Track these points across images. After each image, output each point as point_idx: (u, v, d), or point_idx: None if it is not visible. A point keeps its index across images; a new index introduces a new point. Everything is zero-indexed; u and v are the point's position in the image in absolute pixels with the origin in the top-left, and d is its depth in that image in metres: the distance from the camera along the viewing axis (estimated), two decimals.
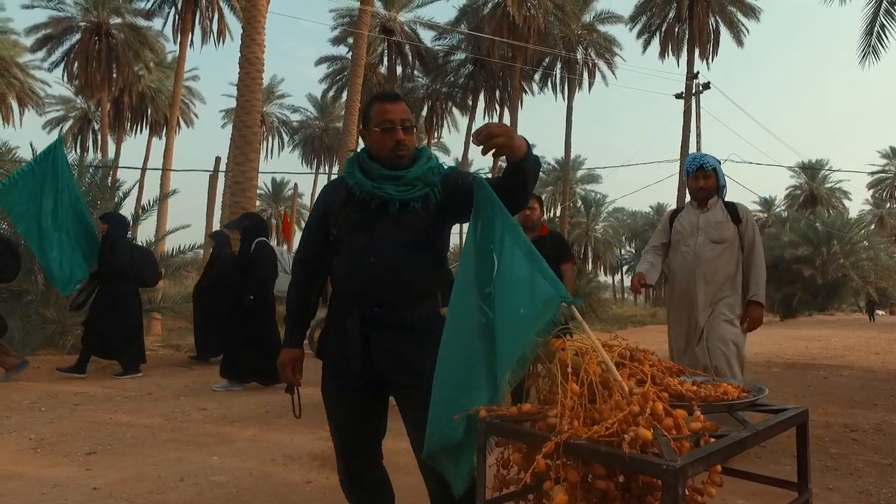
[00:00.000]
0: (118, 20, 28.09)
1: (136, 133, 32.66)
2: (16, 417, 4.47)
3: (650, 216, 55.56)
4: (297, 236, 16.66)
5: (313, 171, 44.33)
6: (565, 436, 1.20)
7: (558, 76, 30.58)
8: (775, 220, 41.87)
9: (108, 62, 27.32)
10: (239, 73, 11.10)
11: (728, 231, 3.69)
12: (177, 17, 25.72)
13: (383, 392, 1.95)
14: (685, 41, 27.44)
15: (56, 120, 34.13)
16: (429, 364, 1.79)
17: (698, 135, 22.05)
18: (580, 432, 1.21)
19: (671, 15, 28.15)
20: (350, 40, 24.36)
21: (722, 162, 3.97)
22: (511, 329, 1.45)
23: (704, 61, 27.32)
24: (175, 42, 26.20)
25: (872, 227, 40.33)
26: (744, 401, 1.45)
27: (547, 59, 29.98)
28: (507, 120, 27.85)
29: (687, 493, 1.26)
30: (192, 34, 25.53)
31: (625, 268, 61.86)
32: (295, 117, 44.52)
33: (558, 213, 37.50)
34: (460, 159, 33.50)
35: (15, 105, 30.09)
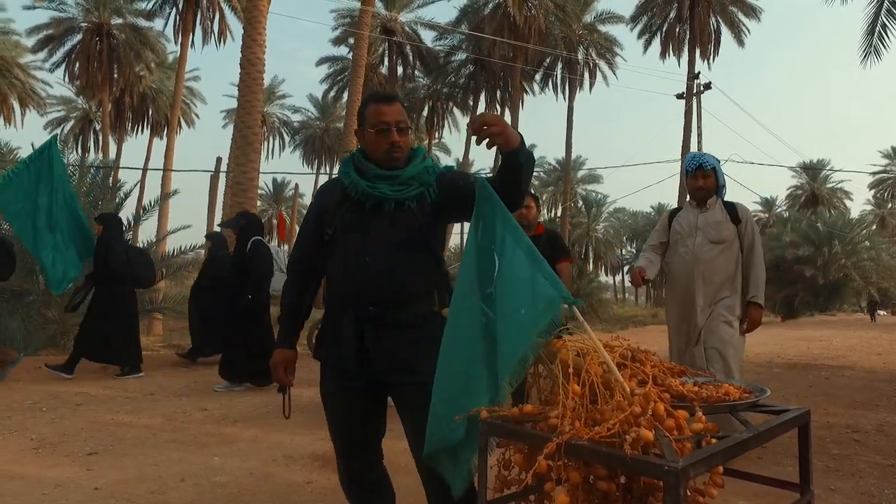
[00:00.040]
0: (119, 21, 28.12)
1: (137, 133, 32.74)
2: (17, 417, 4.47)
3: (651, 216, 55.57)
4: None
5: (314, 172, 44.37)
6: (567, 437, 1.20)
7: (559, 76, 30.60)
8: (776, 220, 41.85)
9: (109, 63, 27.34)
10: (240, 74, 11.10)
11: (727, 231, 3.66)
12: (178, 17, 25.74)
13: (383, 392, 1.95)
14: (686, 41, 27.43)
15: (57, 120, 34.21)
16: (425, 363, 1.80)
17: (699, 135, 22.05)
18: (582, 433, 1.21)
19: (672, 15, 28.14)
20: (351, 41, 24.37)
21: (723, 162, 3.95)
22: (512, 330, 1.45)
23: (705, 61, 27.35)
24: (176, 42, 26.24)
25: (874, 227, 40.33)
26: (746, 401, 1.45)
27: (548, 60, 29.96)
28: (507, 120, 27.77)
29: (688, 494, 1.26)
30: (193, 35, 25.55)
31: (626, 268, 61.79)
32: (296, 118, 44.59)
33: (559, 214, 37.50)
34: (461, 159, 33.52)
35: (16, 105, 30.14)
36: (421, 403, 1.72)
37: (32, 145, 6.23)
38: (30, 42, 28.10)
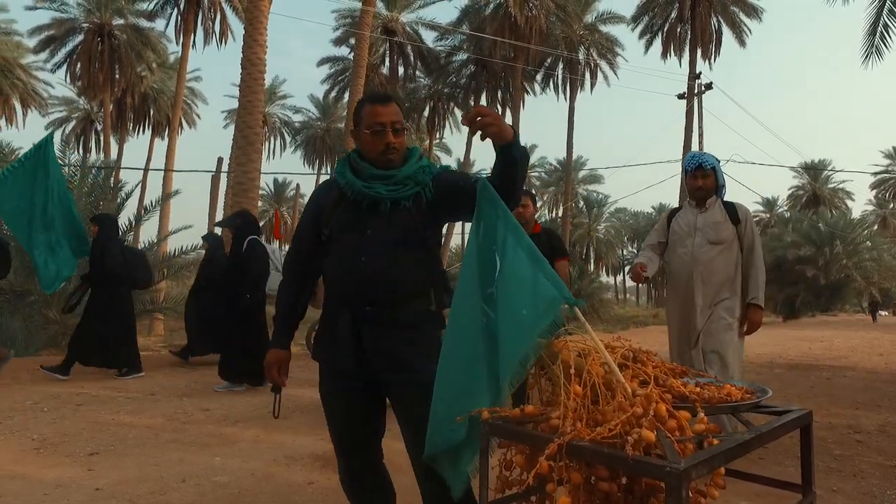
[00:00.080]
0: (121, 21, 28.17)
1: (138, 134, 32.75)
2: (18, 418, 4.48)
3: (652, 216, 55.59)
4: None
5: (315, 172, 44.38)
6: (568, 437, 1.20)
7: (560, 76, 30.61)
8: (778, 220, 41.81)
9: (110, 63, 27.39)
10: (241, 74, 11.12)
11: (727, 232, 3.61)
12: (179, 18, 25.79)
13: (381, 392, 1.94)
14: (687, 41, 27.42)
15: (59, 121, 34.24)
16: (421, 361, 1.80)
17: (700, 135, 22.05)
18: (583, 434, 1.21)
19: (673, 15, 28.14)
20: (352, 41, 24.37)
21: (724, 162, 3.93)
22: (513, 330, 1.45)
23: (707, 61, 27.35)
24: (177, 43, 26.30)
25: (875, 227, 40.32)
26: (747, 402, 1.45)
27: (549, 60, 29.98)
28: (508, 120, 27.72)
29: (690, 495, 1.25)
30: (195, 35, 25.58)
31: (627, 268, 61.79)
32: (297, 118, 44.60)
33: (560, 214, 37.50)
34: (462, 160, 33.51)
35: (18, 106, 30.22)
36: (418, 401, 1.73)
37: (34, 146, 6.15)
38: (31, 43, 28.23)
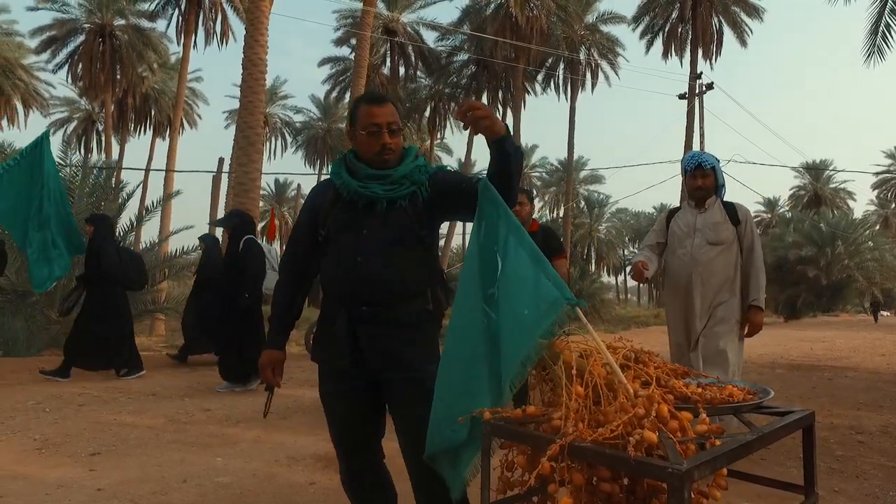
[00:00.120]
0: (122, 22, 28.21)
1: (139, 134, 32.81)
2: (20, 418, 4.48)
3: (653, 217, 55.55)
4: None
5: (316, 172, 44.39)
6: (570, 438, 1.20)
7: (561, 77, 30.60)
8: (779, 220, 41.75)
9: (111, 63, 27.43)
10: (242, 75, 11.13)
11: (726, 232, 3.57)
12: (180, 18, 25.84)
13: (381, 392, 1.94)
14: (688, 41, 27.44)
15: (60, 121, 34.27)
16: (419, 361, 1.80)
17: (702, 135, 22.03)
18: (585, 435, 1.21)
19: (674, 15, 28.15)
20: (353, 41, 24.40)
21: (725, 162, 3.92)
22: (515, 330, 1.45)
23: (708, 61, 27.38)
24: (178, 43, 26.34)
25: (877, 227, 40.28)
26: (749, 403, 1.44)
27: (550, 60, 29.97)
28: (509, 121, 27.82)
29: (692, 496, 1.25)
30: (196, 35, 25.62)
31: (628, 268, 61.72)
32: (298, 118, 44.59)
33: (561, 214, 37.49)
34: (463, 160, 33.51)
35: (20, 106, 30.26)
36: (415, 400, 1.73)
37: (30, 143, 6.09)
38: (33, 43, 28.28)
